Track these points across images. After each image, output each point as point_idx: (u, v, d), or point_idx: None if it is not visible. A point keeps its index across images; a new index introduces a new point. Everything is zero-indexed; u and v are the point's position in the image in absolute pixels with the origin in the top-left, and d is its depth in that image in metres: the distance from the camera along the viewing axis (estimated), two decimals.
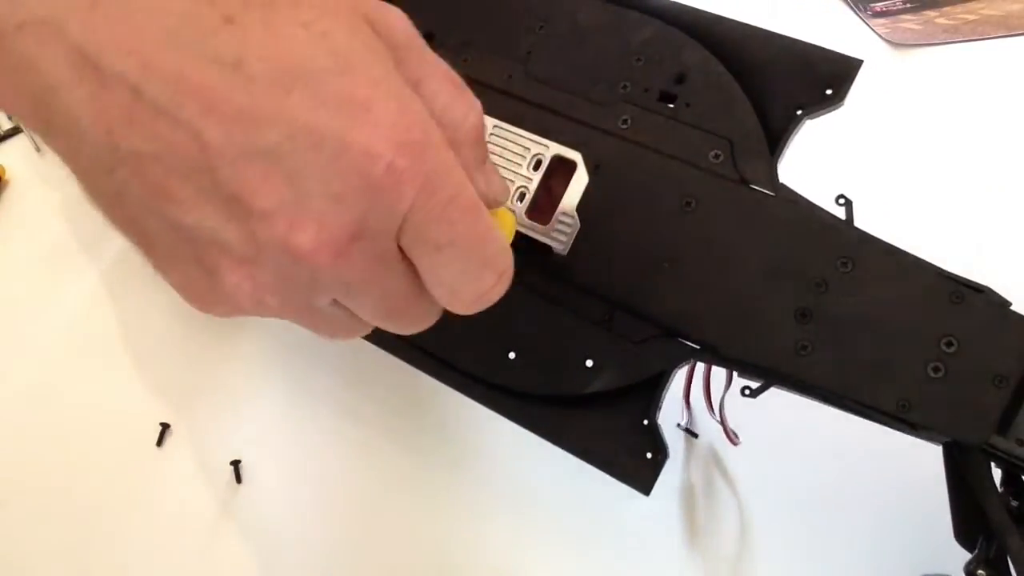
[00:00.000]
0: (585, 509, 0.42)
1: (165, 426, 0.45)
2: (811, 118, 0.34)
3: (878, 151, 0.61)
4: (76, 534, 0.41)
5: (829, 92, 0.34)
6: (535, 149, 0.38)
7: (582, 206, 0.37)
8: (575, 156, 0.37)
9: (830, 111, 0.34)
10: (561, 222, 0.37)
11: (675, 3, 0.37)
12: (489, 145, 0.39)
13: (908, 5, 0.72)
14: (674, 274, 0.36)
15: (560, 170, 0.38)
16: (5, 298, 0.51)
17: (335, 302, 0.23)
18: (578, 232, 0.37)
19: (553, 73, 0.39)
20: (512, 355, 0.38)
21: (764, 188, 0.34)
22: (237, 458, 0.44)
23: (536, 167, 0.38)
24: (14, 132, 0.60)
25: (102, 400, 0.46)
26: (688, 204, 0.35)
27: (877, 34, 0.70)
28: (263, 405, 0.46)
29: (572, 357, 0.37)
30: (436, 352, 0.40)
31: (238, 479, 0.43)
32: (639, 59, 0.37)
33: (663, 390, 0.36)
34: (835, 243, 0.33)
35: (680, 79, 0.36)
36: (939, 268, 0.32)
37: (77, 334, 0.49)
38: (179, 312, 0.50)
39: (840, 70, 0.34)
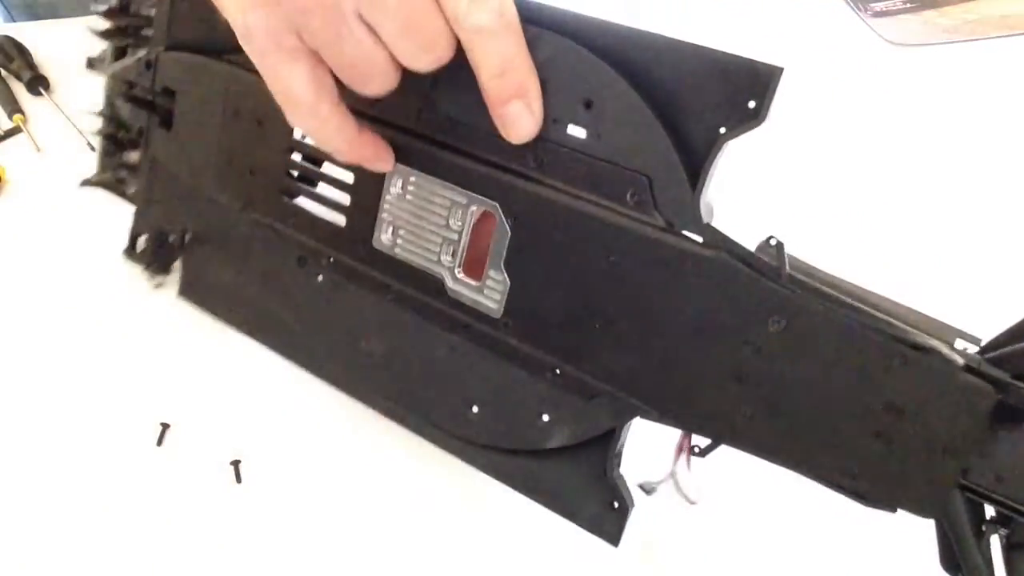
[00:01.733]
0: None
1: (165, 426, 0.45)
2: (734, 137, 0.30)
3: (878, 149, 0.61)
4: (76, 534, 0.41)
5: (752, 105, 0.29)
6: (456, 201, 0.35)
7: (508, 262, 0.34)
8: (493, 209, 0.34)
9: (752, 128, 0.29)
10: (491, 278, 0.35)
11: (575, 14, 0.32)
12: (409, 199, 0.37)
13: (908, 5, 0.72)
14: (606, 333, 0.33)
15: (484, 222, 0.35)
16: (4, 298, 0.51)
17: (362, 20, 0.28)
18: (508, 290, 0.35)
19: (460, 107, 0.34)
20: (475, 409, 0.38)
21: (688, 230, 0.31)
22: (237, 458, 0.44)
23: (462, 220, 0.35)
24: (14, 132, 0.60)
25: (102, 400, 0.46)
26: (610, 258, 0.32)
27: (877, 34, 0.70)
28: (263, 405, 0.46)
29: (529, 413, 0.36)
30: (409, 406, 0.40)
31: (238, 479, 0.43)
32: (543, 84, 0.32)
33: (616, 446, 0.35)
34: (765, 298, 0.30)
35: (588, 105, 0.31)
36: (882, 324, 0.28)
37: (77, 334, 0.49)
38: (180, 312, 0.50)
39: (760, 79, 0.29)
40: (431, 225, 0.36)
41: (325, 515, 0.42)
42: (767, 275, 0.30)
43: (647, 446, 0.37)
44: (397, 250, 0.38)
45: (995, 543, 0.30)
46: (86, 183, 0.52)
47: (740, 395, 0.31)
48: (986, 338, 0.30)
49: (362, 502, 0.43)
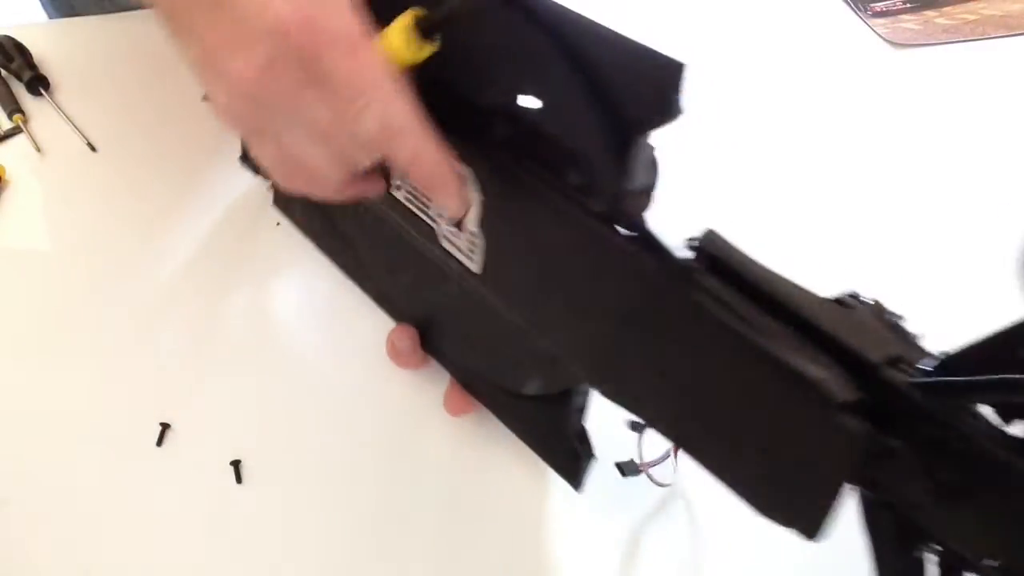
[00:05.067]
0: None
1: (165, 426, 0.45)
2: (651, 130, 0.30)
3: (878, 149, 0.61)
4: (76, 534, 0.41)
5: (663, 99, 0.28)
6: None
7: (482, 223, 0.36)
8: (466, 172, 0.36)
9: (667, 122, 0.29)
10: (472, 235, 0.37)
11: None
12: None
13: (908, 5, 0.72)
14: (552, 305, 0.35)
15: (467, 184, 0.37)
16: (4, 298, 0.51)
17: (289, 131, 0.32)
18: (485, 249, 0.37)
19: (456, 74, 0.35)
20: (473, 346, 0.41)
21: (614, 218, 0.31)
22: (237, 458, 0.44)
23: None
24: (14, 132, 0.60)
25: (102, 400, 0.46)
26: (551, 234, 0.33)
27: (877, 34, 0.70)
28: (263, 405, 0.46)
29: (510, 360, 0.39)
30: (428, 332, 0.45)
31: (238, 479, 0.43)
32: (511, 55, 0.32)
33: (573, 405, 0.37)
34: (673, 300, 0.29)
35: (538, 83, 0.32)
36: (773, 346, 0.27)
37: (77, 334, 0.49)
38: (180, 312, 0.50)
39: (668, 74, 0.28)
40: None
41: (325, 515, 0.42)
42: (679, 277, 0.29)
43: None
44: (403, 199, 0.41)
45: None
46: None
47: (659, 390, 0.32)
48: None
49: (362, 502, 0.43)
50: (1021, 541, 0.25)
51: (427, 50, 0.31)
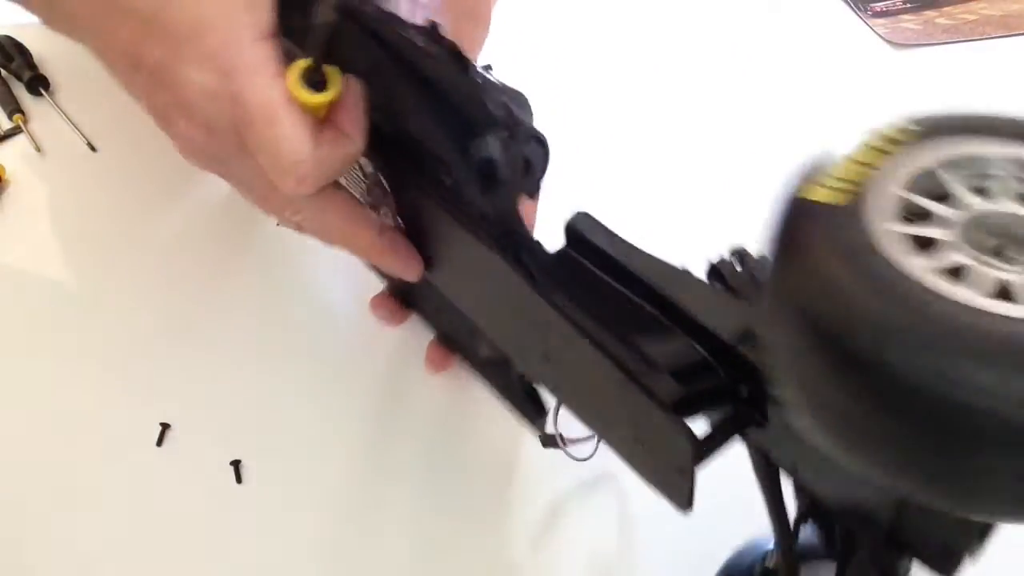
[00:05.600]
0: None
1: (165, 426, 0.45)
2: (482, 149, 0.32)
3: None
4: (76, 534, 0.41)
5: (482, 115, 0.31)
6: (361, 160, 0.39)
7: (398, 213, 0.39)
8: (368, 166, 0.38)
9: (497, 133, 0.31)
10: (396, 222, 0.39)
11: (397, 28, 0.34)
12: None
13: (908, 5, 0.72)
14: (458, 288, 0.38)
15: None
16: (4, 298, 0.51)
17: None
18: (406, 234, 0.39)
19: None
20: (439, 312, 0.43)
21: (484, 219, 0.33)
22: (237, 458, 0.44)
23: (363, 170, 0.39)
24: (14, 132, 0.60)
25: (102, 400, 0.46)
26: (447, 230, 0.35)
27: (877, 34, 0.70)
28: (263, 405, 0.46)
29: (464, 326, 0.41)
30: (409, 301, 0.47)
31: (238, 479, 0.43)
32: (370, 66, 0.34)
33: (516, 369, 0.39)
34: (532, 304, 0.31)
35: (394, 92, 0.34)
36: (616, 349, 0.29)
37: (77, 334, 0.49)
38: (179, 311, 0.50)
39: (470, 91, 0.31)
40: (353, 169, 0.41)
41: (325, 515, 0.42)
42: (534, 278, 0.31)
43: None
44: (343, 183, 0.41)
45: None
46: None
47: (551, 373, 0.34)
48: None
49: (362, 502, 0.43)
50: (887, 518, 0.26)
51: (327, 95, 0.32)
